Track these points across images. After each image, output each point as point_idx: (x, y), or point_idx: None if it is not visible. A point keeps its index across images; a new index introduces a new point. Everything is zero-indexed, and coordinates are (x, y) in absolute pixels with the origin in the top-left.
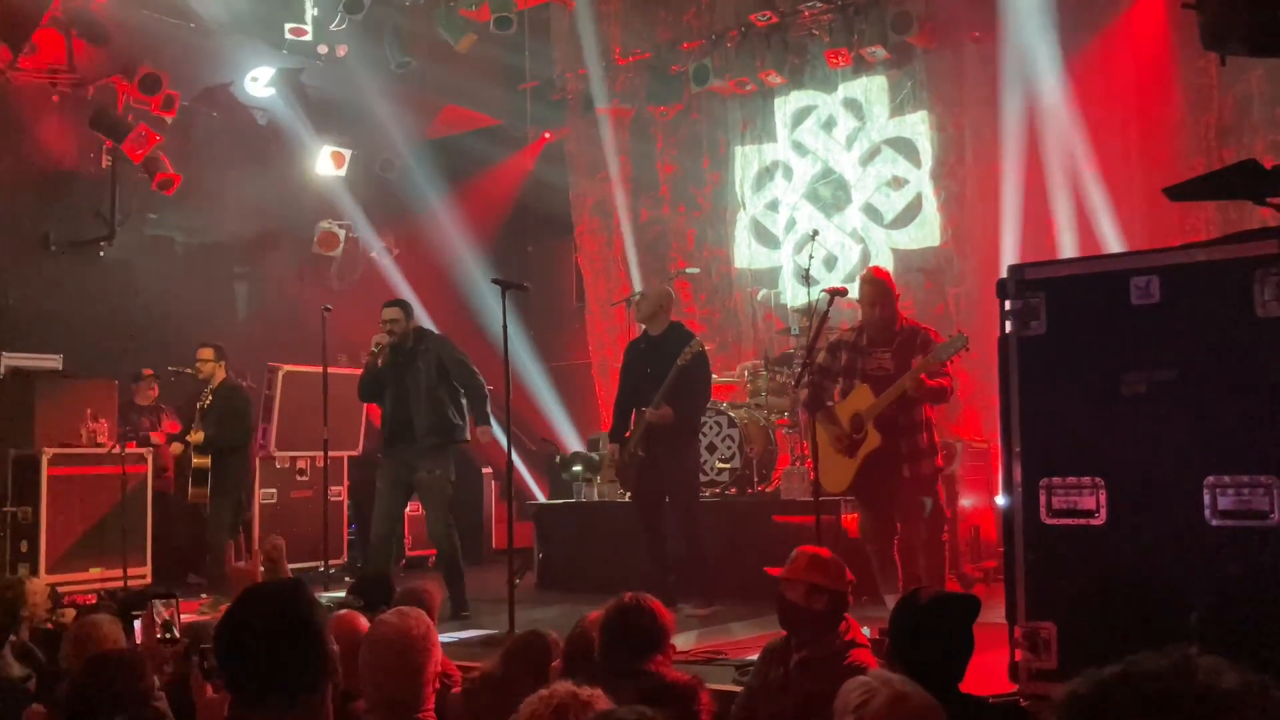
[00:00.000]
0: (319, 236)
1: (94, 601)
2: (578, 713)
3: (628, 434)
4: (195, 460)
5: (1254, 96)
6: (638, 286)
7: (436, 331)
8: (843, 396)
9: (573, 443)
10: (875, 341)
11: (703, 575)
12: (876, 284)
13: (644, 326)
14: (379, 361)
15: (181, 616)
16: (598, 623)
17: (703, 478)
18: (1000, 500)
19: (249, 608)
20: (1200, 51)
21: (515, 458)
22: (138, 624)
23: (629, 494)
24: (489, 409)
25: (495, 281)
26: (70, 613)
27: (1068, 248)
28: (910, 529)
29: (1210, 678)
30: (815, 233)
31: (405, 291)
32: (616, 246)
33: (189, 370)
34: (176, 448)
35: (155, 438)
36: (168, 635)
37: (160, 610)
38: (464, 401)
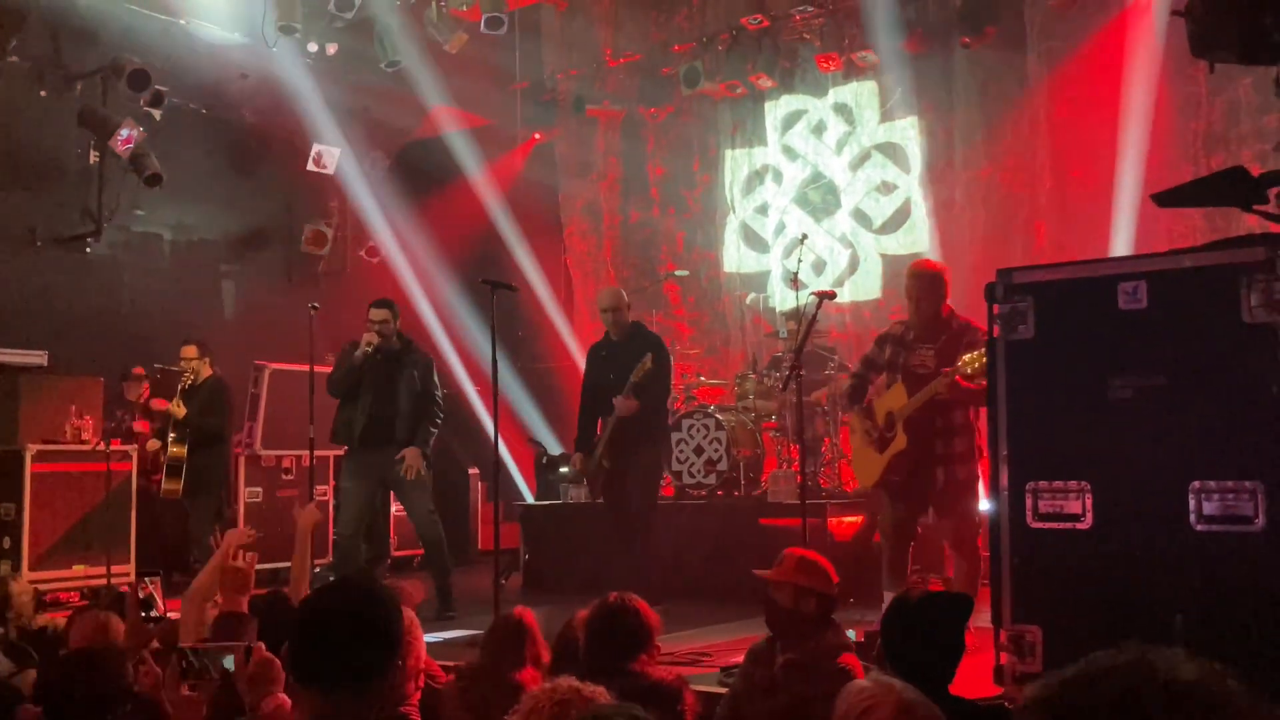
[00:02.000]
0: (307, 235)
1: (77, 599)
2: (580, 708)
3: (594, 442)
4: (171, 450)
5: (1242, 105)
6: (626, 288)
7: (419, 345)
8: (886, 390)
9: (559, 444)
10: (921, 337)
11: (646, 576)
12: (921, 277)
13: (608, 327)
14: (358, 359)
15: (168, 615)
16: (584, 622)
17: (689, 480)
18: (986, 504)
19: (336, 598)
20: (1189, 59)
21: (508, 456)
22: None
23: (600, 501)
24: (429, 436)
25: (484, 282)
26: (47, 615)
27: (1056, 253)
28: (950, 533)
29: (1169, 671)
30: (804, 236)
31: (393, 291)
32: (606, 248)
33: (175, 368)
34: (153, 444)
35: (140, 426)
36: (150, 613)
37: (144, 586)
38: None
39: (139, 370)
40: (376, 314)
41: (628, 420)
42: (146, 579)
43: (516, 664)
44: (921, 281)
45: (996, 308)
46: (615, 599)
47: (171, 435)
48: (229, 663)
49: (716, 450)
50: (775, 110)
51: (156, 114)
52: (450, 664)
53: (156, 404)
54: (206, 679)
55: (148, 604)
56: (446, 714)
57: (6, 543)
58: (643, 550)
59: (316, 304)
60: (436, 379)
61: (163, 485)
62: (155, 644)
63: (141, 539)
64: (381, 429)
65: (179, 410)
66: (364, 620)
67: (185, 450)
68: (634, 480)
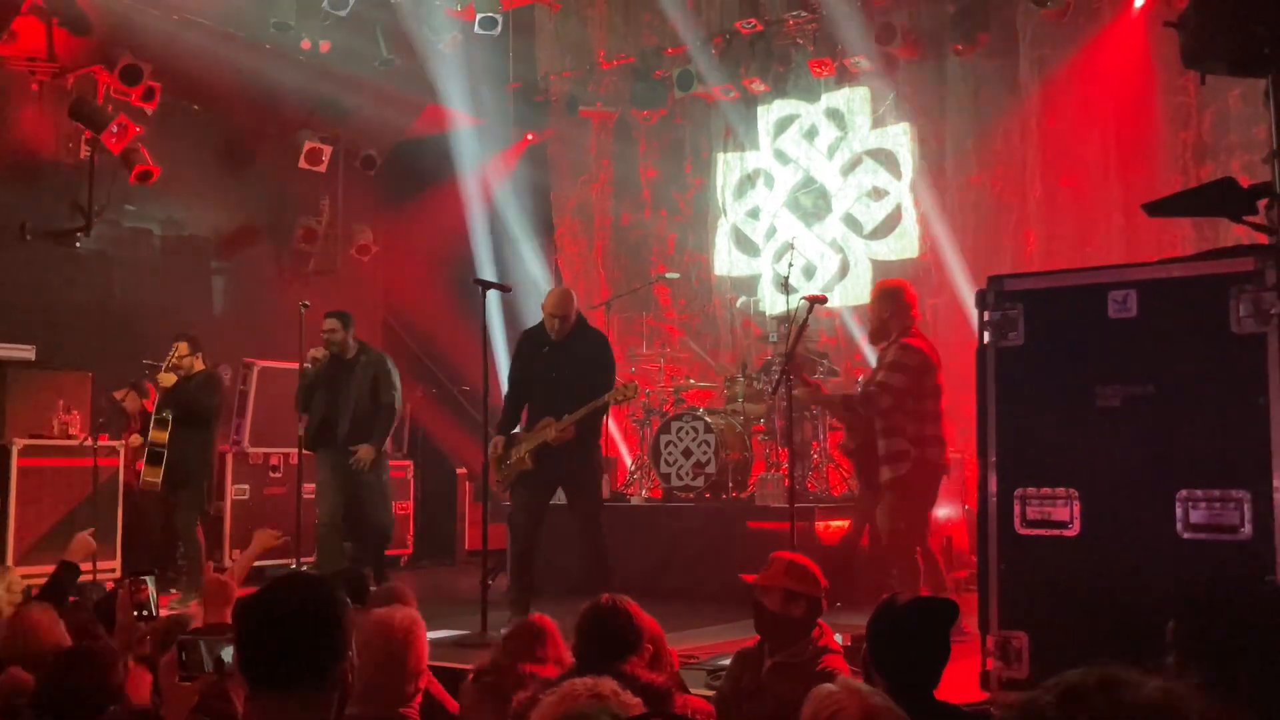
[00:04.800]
0: (298, 232)
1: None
2: (615, 696)
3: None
4: (153, 434)
5: (1231, 116)
6: (616, 290)
7: (377, 350)
8: None
9: None
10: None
11: (607, 587)
12: (872, 294)
13: (553, 328)
14: (309, 371)
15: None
16: (574, 625)
17: (677, 482)
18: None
19: (280, 595)
20: (1179, 70)
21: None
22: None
23: (507, 499)
24: (386, 433)
25: (477, 281)
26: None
27: (1046, 261)
28: (877, 530)
29: (1135, 691)
30: (793, 241)
31: (385, 289)
32: (597, 249)
33: (169, 356)
34: (136, 439)
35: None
36: (144, 612)
37: (138, 587)
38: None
39: (148, 385)
40: (326, 324)
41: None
42: (145, 578)
43: (537, 662)
44: (874, 295)
45: (987, 314)
46: (607, 600)
47: (154, 418)
48: (227, 654)
49: (705, 453)
50: (768, 114)
51: (149, 109)
52: (436, 664)
53: (148, 405)
54: (201, 669)
55: (143, 604)
56: (466, 711)
57: None
58: (604, 547)
59: (307, 301)
60: (394, 379)
61: (142, 475)
62: (147, 643)
63: (128, 535)
64: (328, 431)
65: (167, 379)
66: (308, 617)
67: (166, 435)
68: (585, 483)
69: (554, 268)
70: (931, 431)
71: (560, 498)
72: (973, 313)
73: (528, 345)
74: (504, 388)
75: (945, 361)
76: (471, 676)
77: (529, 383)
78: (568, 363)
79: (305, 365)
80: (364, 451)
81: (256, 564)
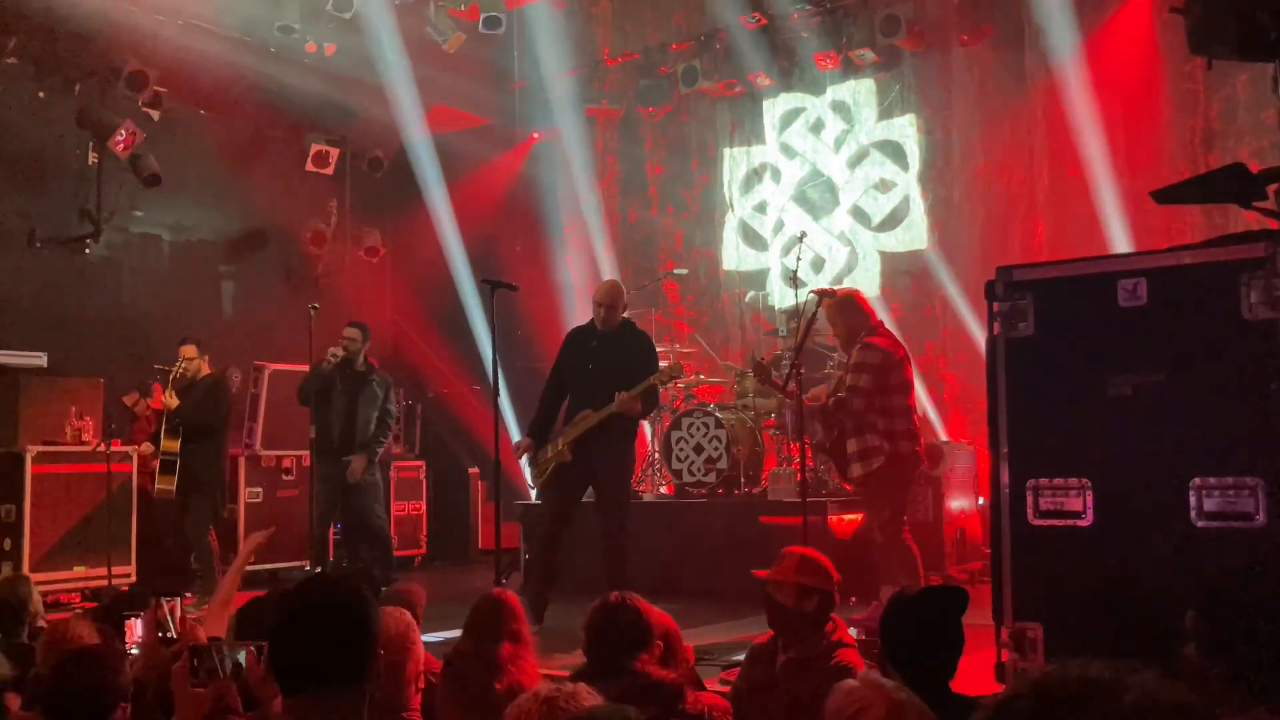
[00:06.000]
0: (306, 235)
1: (78, 601)
2: (566, 701)
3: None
4: (164, 443)
5: (1239, 101)
6: (625, 287)
7: (383, 373)
8: None
9: None
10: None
11: (620, 585)
12: (827, 307)
13: (599, 317)
14: (325, 368)
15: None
16: (584, 623)
17: (689, 478)
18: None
19: (312, 596)
20: (1186, 56)
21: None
22: (134, 623)
23: (542, 493)
24: (380, 448)
25: (485, 281)
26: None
27: (1054, 250)
28: (865, 525)
29: (1140, 691)
30: (803, 234)
31: (394, 290)
32: (605, 247)
33: (168, 367)
34: (147, 447)
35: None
36: (165, 635)
37: (164, 608)
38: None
39: (156, 387)
40: (348, 332)
41: (610, 419)
42: (167, 599)
43: (495, 640)
44: (829, 310)
45: (996, 305)
46: (616, 598)
47: (164, 429)
48: (242, 658)
49: (716, 448)
50: (773, 108)
51: (155, 114)
52: None
53: (154, 404)
54: (214, 675)
55: (163, 625)
56: (438, 698)
57: (7, 544)
58: (623, 545)
59: (316, 304)
60: (393, 397)
61: (156, 484)
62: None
63: (142, 541)
64: (346, 439)
65: (172, 401)
66: (341, 617)
67: (178, 444)
68: (614, 478)
69: (561, 266)
70: (901, 426)
71: (589, 495)
72: (981, 303)
73: (575, 341)
74: (512, 387)
75: (954, 353)
76: (440, 669)
77: (570, 376)
78: (611, 358)
79: (324, 361)
80: (357, 463)
81: (267, 567)
